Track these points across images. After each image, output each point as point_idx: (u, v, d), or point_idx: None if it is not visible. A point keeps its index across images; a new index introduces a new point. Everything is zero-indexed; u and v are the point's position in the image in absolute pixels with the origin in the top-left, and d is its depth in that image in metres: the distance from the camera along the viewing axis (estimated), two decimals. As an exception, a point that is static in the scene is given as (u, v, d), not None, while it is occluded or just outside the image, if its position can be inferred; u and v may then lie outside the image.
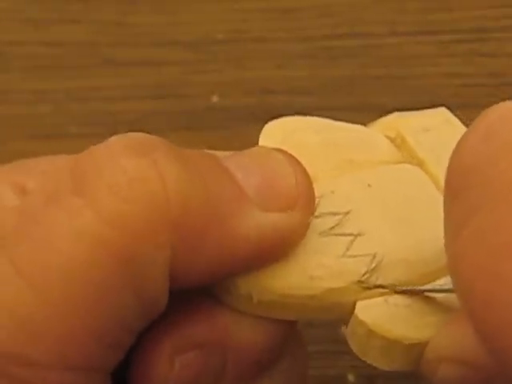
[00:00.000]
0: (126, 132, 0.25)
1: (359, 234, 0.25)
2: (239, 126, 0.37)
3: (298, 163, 0.24)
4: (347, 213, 0.25)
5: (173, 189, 0.22)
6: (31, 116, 0.38)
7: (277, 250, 0.23)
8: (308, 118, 0.27)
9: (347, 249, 0.24)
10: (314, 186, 0.25)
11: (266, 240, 0.23)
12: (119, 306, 0.22)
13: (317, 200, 0.25)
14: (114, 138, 0.23)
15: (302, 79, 0.37)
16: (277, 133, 0.26)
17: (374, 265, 0.24)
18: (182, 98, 0.38)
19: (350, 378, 0.34)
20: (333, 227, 0.25)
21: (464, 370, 0.23)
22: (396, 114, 0.29)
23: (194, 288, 0.24)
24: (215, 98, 0.38)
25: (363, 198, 0.25)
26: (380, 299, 0.24)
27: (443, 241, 0.22)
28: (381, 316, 0.24)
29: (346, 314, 0.24)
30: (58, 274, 0.21)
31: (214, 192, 0.23)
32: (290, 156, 0.24)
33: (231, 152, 0.25)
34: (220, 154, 0.25)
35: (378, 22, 0.37)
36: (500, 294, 0.19)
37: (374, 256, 0.24)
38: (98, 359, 0.22)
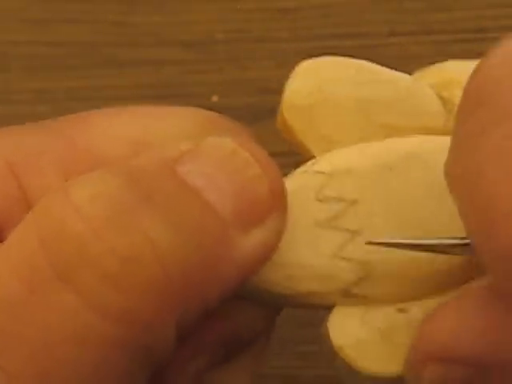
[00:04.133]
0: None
1: (357, 233, 0.22)
2: (239, 125, 0.37)
3: (266, 157, 0.23)
4: (354, 202, 0.23)
5: (170, 260, 0.20)
6: (31, 116, 0.38)
7: (264, 260, 0.23)
8: (349, 63, 0.24)
9: (340, 248, 0.22)
10: (334, 153, 0.23)
11: (252, 259, 0.22)
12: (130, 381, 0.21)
13: (327, 177, 0.23)
14: (76, 190, 0.20)
15: (302, 79, 0.37)
16: (310, 79, 0.24)
17: (362, 274, 0.22)
18: (182, 97, 0.38)
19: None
20: (333, 217, 0.23)
21: (453, 369, 0.21)
22: (457, 64, 0.25)
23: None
24: (215, 98, 0.38)
25: (378, 185, 0.23)
26: (357, 314, 0.23)
27: (449, 262, 0.21)
28: (350, 338, 0.22)
29: (323, 310, 0.23)
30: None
31: (202, 239, 0.21)
32: (256, 149, 0.23)
33: (186, 147, 0.22)
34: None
35: (378, 22, 0.37)
36: None
37: (367, 263, 0.22)
38: None
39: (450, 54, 0.37)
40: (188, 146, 0.22)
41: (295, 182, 0.23)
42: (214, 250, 0.21)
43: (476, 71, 0.20)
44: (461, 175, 0.19)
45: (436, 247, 0.22)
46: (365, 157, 0.23)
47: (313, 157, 0.24)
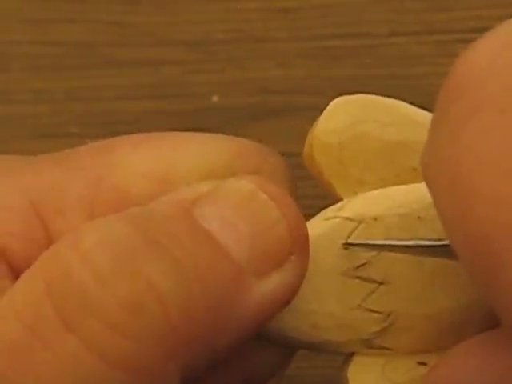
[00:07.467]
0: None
1: (383, 283, 0.22)
2: (239, 126, 0.37)
3: (287, 199, 0.22)
4: (381, 251, 0.23)
5: (174, 308, 0.20)
6: (31, 116, 0.38)
7: (282, 305, 0.22)
8: (380, 102, 0.23)
9: (364, 299, 0.23)
10: (361, 198, 0.23)
11: (268, 305, 0.21)
12: None
13: (355, 224, 0.23)
14: (85, 236, 0.20)
15: (302, 79, 0.37)
16: (341, 117, 0.23)
17: (385, 325, 0.23)
18: (182, 97, 0.38)
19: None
20: (359, 266, 0.22)
21: None
22: None
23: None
24: (215, 98, 0.38)
25: (406, 233, 0.23)
26: (377, 365, 0.23)
27: (470, 314, 0.21)
28: None
29: (342, 357, 0.23)
30: None
31: (211, 285, 0.20)
32: (276, 191, 0.22)
33: (205, 188, 0.22)
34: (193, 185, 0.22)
35: (378, 22, 0.37)
36: (508, 192, 0.17)
37: (389, 315, 0.23)
38: None
39: (451, 54, 0.37)
40: (207, 187, 0.22)
41: (321, 227, 0.23)
42: (224, 296, 0.21)
43: (456, 64, 0.20)
44: (439, 166, 0.19)
45: (418, 249, 0.22)
46: (393, 204, 0.23)
47: (340, 198, 0.23)
